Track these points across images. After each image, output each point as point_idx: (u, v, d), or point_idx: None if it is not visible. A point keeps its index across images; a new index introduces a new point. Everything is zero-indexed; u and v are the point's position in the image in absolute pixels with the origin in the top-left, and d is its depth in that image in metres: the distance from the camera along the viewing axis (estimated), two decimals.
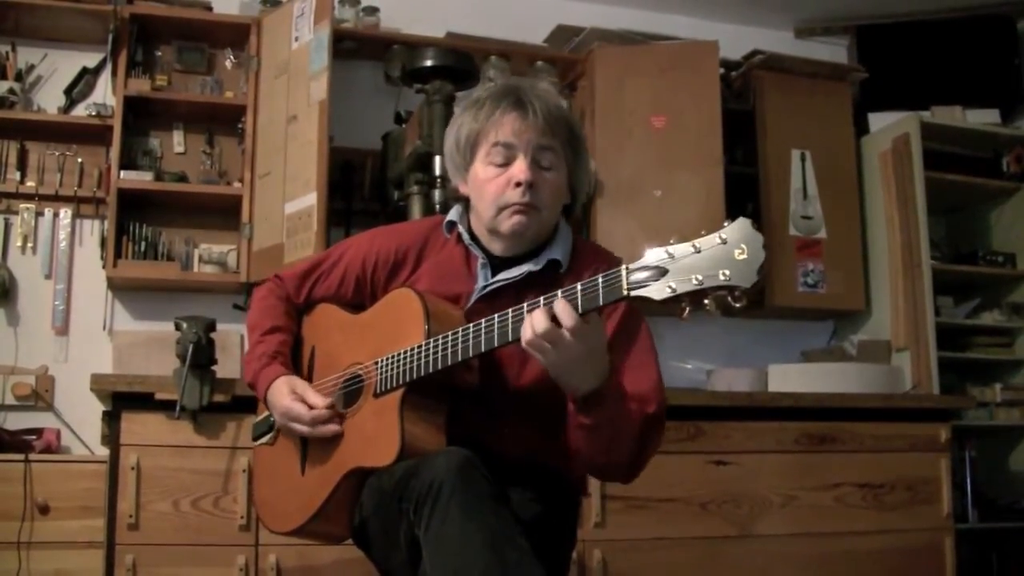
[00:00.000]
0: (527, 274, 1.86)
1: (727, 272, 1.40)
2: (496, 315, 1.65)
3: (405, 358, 1.76)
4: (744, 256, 1.40)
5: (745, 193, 3.93)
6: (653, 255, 1.46)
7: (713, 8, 4.30)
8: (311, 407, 1.86)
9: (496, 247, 1.90)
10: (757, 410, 3.23)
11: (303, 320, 2.09)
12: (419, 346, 1.74)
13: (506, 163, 1.83)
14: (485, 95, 1.89)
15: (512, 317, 1.63)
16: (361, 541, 1.88)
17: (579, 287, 1.54)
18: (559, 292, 1.57)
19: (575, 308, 1.54)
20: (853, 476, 3.27)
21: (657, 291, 1.44)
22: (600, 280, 1.52)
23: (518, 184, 1.81)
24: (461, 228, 1.93)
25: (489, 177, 1.85)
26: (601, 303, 1.52)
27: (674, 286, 1.43)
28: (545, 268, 1.87)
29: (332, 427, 1.85)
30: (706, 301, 1.44)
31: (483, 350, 1.66)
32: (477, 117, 1.87)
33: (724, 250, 1.41)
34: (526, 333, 1.57)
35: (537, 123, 1.82)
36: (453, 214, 1.96)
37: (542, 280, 1.85)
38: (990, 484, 3.98)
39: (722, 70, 3.91)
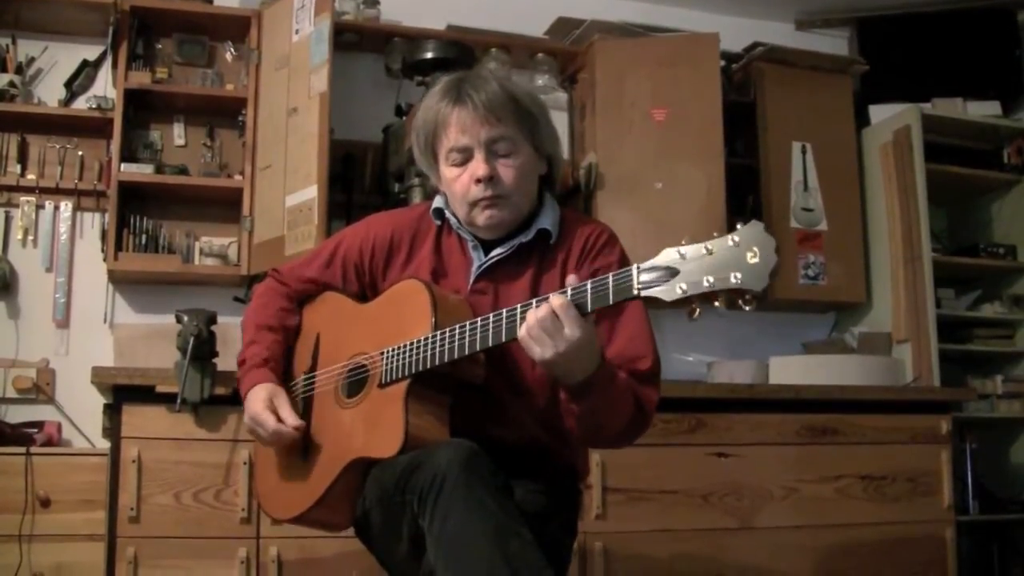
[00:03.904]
0: (519, 245, 1.88)
1: (739, 275, 1.41)
2: (504, 309, 1.66)
3: (411, 349, 1.76)
4: (756, 260, 1.40)
5: (746, 185, 3.93)
6: (664, 255, 1.47)
7: (713, 0, 4.29)
8: (280, 420, 1.86)
9: (481, 234, 1.92)
10: (758, 402, 3.23)
11: (309, 307, 2.08)
12: (426, 338, 1.74)
13: (465, 162, 1.86)
14: (430, 97, 1.91)
15: (520, 312, 1.63)
16: (363, 532, 1.88)
17: (588, 285, 1.56)
18: (550, 296, 1.58)
19: (585, 306, 1.55)
20: (854, 468, 3.27)
21: (668, 292, 1.45)
22: (611, 279, 1.53)
23: (479, 181, 1.83)
24: (449, 214, 1.95)
25: (453, 177, 1.88)
26: (611, 302, 1.53)
27: (685, 287, 1.44)
28: (536, 238, 1.89)
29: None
30: (716, 303, 1.45)
31: (490, 344, 1.66)
32: (427, 121, 1.90)
33: (736, 252, 1.42)
34: (529, 322, 1.58)
35: (480, 115, 1.83)
36: (439, 201, 1.98)
37: (536, 250, 1.89)
38: (991, 476, 3.98)
39: (723, 62, 3.91)
